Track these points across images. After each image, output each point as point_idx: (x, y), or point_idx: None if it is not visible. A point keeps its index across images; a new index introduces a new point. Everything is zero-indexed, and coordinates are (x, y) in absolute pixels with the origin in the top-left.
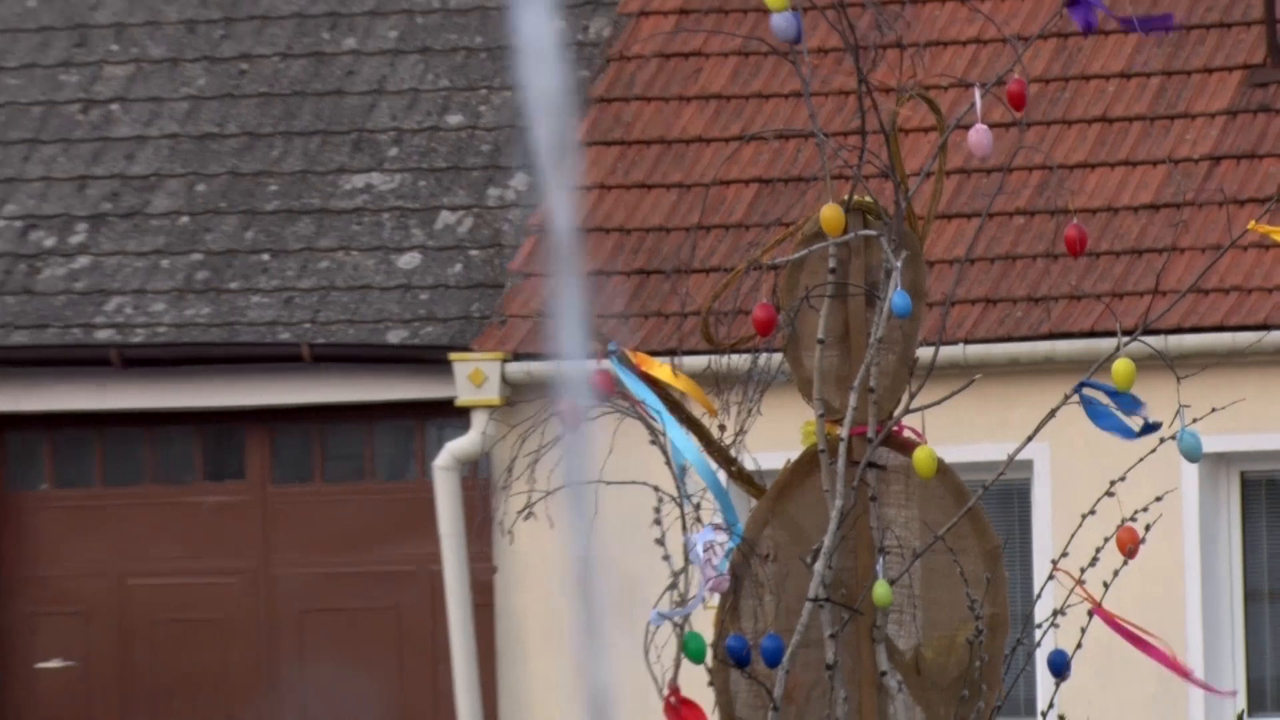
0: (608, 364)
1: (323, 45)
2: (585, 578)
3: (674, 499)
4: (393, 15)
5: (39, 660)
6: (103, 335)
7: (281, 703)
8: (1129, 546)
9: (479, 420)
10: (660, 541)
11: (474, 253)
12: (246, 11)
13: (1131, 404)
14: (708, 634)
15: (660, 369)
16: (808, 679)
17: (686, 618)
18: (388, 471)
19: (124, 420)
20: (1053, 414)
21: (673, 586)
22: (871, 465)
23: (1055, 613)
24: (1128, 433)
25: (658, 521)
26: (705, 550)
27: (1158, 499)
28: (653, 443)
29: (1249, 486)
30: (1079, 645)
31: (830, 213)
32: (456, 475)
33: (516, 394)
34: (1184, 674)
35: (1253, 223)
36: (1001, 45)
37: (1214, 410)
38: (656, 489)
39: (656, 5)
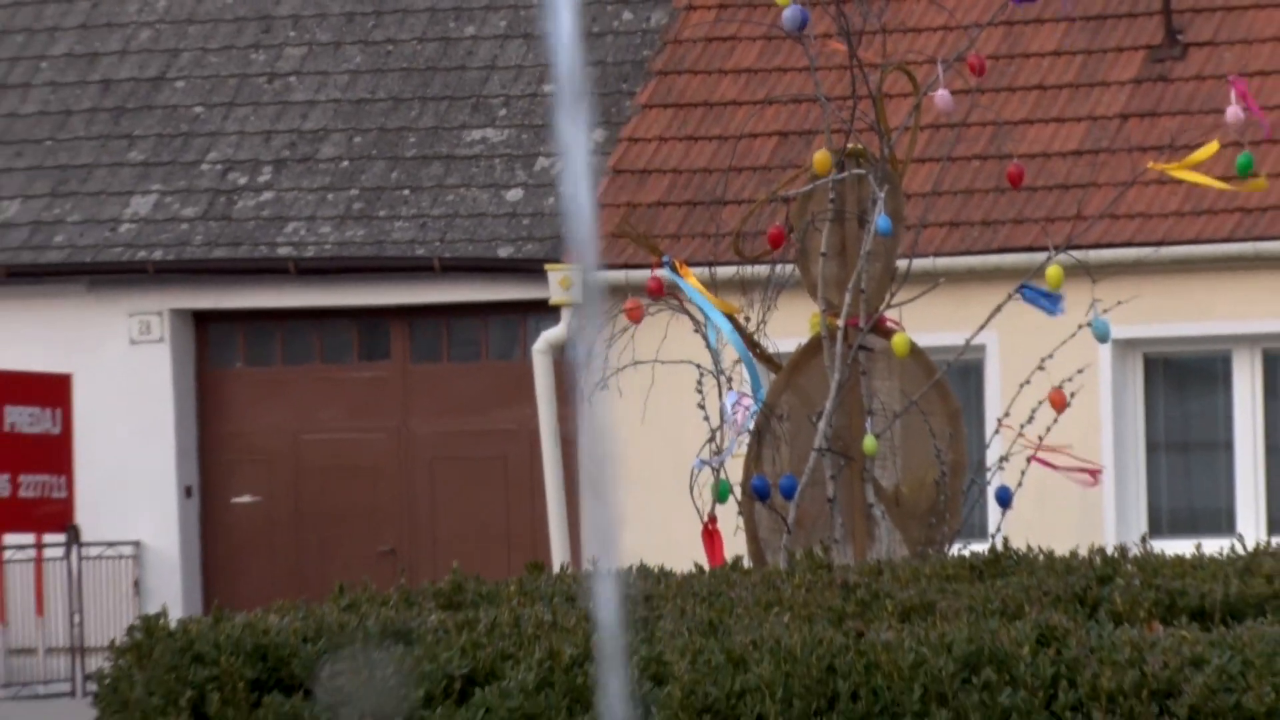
0: (662, 271)
1: (449, 32)
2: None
3: (711, 373)
4: (503, 9)
5: (234, 496)
6: (283, 251)
7: (418, 528)
8: (1060, 405)
9: (566, 315)
10: (701, 406)
11: (563, 189)
12: (391, 6)
13: (1055, 301)
14: (737, 478)
15: (692, 277)
16: (813, 510)
17: (722, 463)
18: (498, 353)
19: (298, 315)
20: (999, 308)
21: (710, 440)
22: (862, 348)
23: (1001, 459)
24: (1054, 310)
25: (699, 390)
26: (734, 408)
27: (1079, 371)
28: (695, 331)
29: (1149, 364)
30: (1019, 484)
31: (821, 156)
32: (549, 357)
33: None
34: (1094, 473)
35: (1151, 163)
36: (962, 31)
37: (1119, 303)
38: (699, 366)
39: (701, 1)
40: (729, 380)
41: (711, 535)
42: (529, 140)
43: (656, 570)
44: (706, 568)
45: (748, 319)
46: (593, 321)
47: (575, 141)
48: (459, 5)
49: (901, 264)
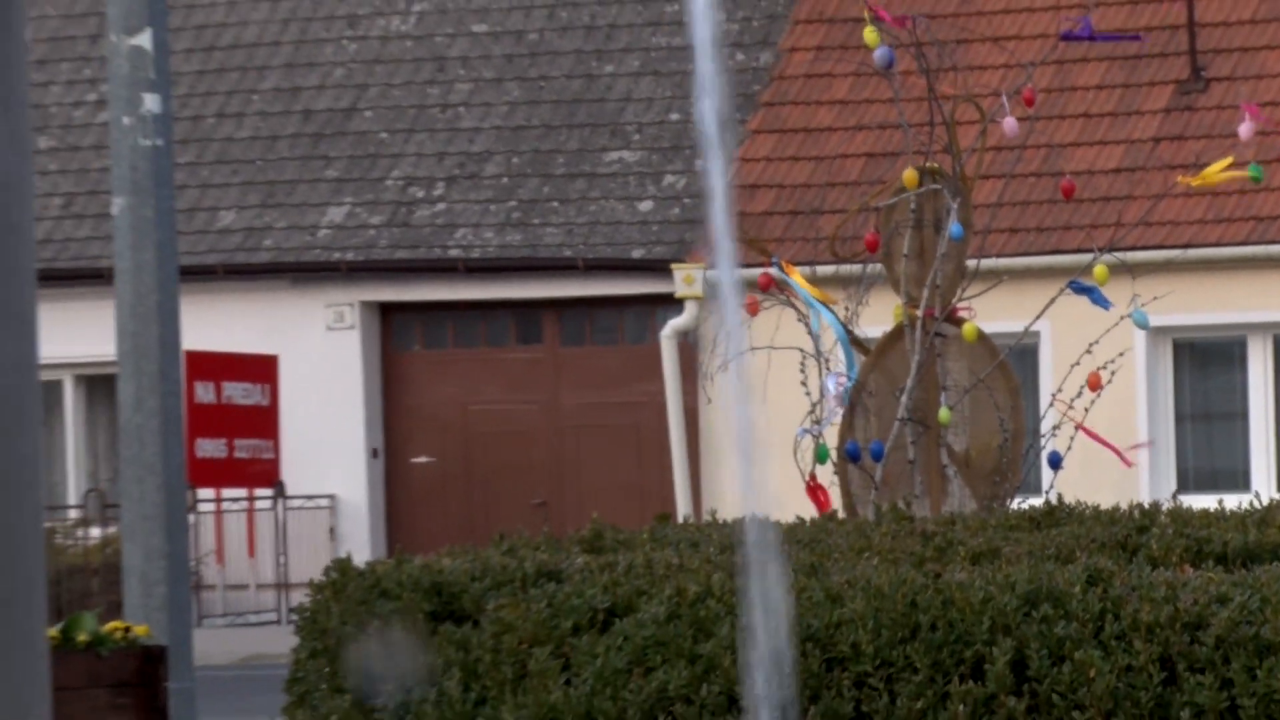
0: (771, 270)
1: (591, 70)
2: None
3: (812, 356)
4: (636, 50)
5: (412, 457)
6: (453, 253)
7: (565, 484)
8: (1095, 386)
9: (690, 307)
10: (803, 384)
11: (686, 201)
12: (544, 49)
13: (1101, 295)
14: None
15: (797, 274)
16: (897, 470)
17: (822, 431)
18: (631, 338)
19: (465, 306)
20: (1052, 301)
21: (811, 412)
22: (938, 334)
23: (1053, 428)
24: (1101, 303)
25: (803, 369)
26: (832, 386)
27: (1120, 354)
28: (799, 320)
29: (1178, 348)
30: (1068, 449)
31: (909, 174)
32: (675, 341)
33: (712, 290)
34: (1125, 459)
35: (1180, 178)
36: (1020, 68)
37: (1155, 298)
38: (801, 352)
39: (802, 44)
40: (827, 362)
41: (815, 490)
42: (658, 160)
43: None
44: (811, 518)
45: (844, 310)
46: (735, 318)
47: (716, 172)
48: (600, 48)
49: (970, 264)
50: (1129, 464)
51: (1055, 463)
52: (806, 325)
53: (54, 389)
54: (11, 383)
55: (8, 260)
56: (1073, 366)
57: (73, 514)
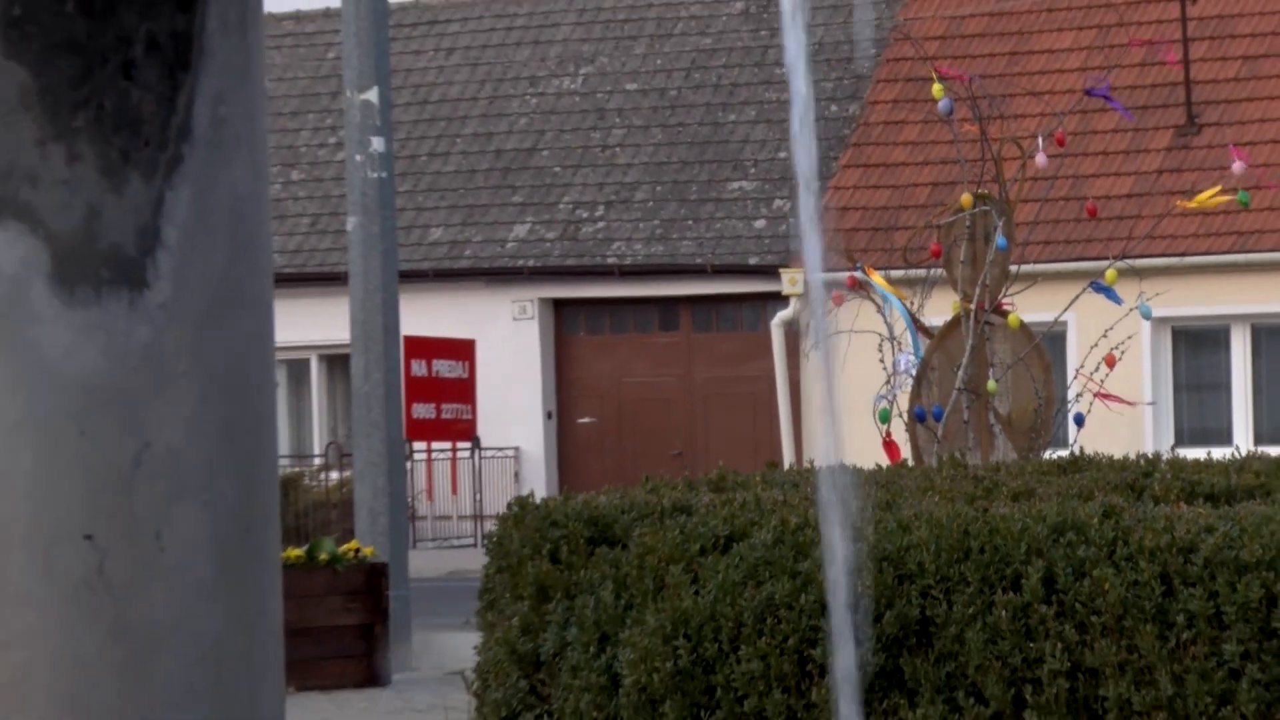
0: (855, 273)
1: (718, 118)
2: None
3: (887, 340)
4: (753, 103)
5: (578, 418)
6: (610, 261)
7: (696, 440)
8: (1111, 364)
9: (793, 302)
10: (880, 362)
11: (790, 220)
12: (682, 102)
13: (1114, 293)
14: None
15: (877, 276)
16: (954, 429)
17: (893, 399)
18: (748, 327)
19: (620, 301)
20: (1076, 298)
21: (886, 383)
22: (987, 323)
23: (1077, 396)
24: (1114, 299)
25: (880, 351)
26: (902, 363)
27: (1128, 338)
28: (877, 312)
29: (1175, 333)
30: (1089, 411)
31: (966, 198)
32: (782, 329)
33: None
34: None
35: (1178, 203)
36: (1053, 116)
37: (1156, 295)
38: (879, 336)
39: (881, 98)
40: (899, 345)
41: (890, 445)
42: (769, 189)
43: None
44: (886, 467)
45: (912, 303)
46: (820, 311)
47: (808, 217)
48: (724, 101)
49: (1012, 269)
50: (1132, 404)
51: (1079, 422)
52: (883, 316)
53: (303, 366)
54: (253, 353)
55: (249, 260)
56: (1092, 348)
57: (317, 461)
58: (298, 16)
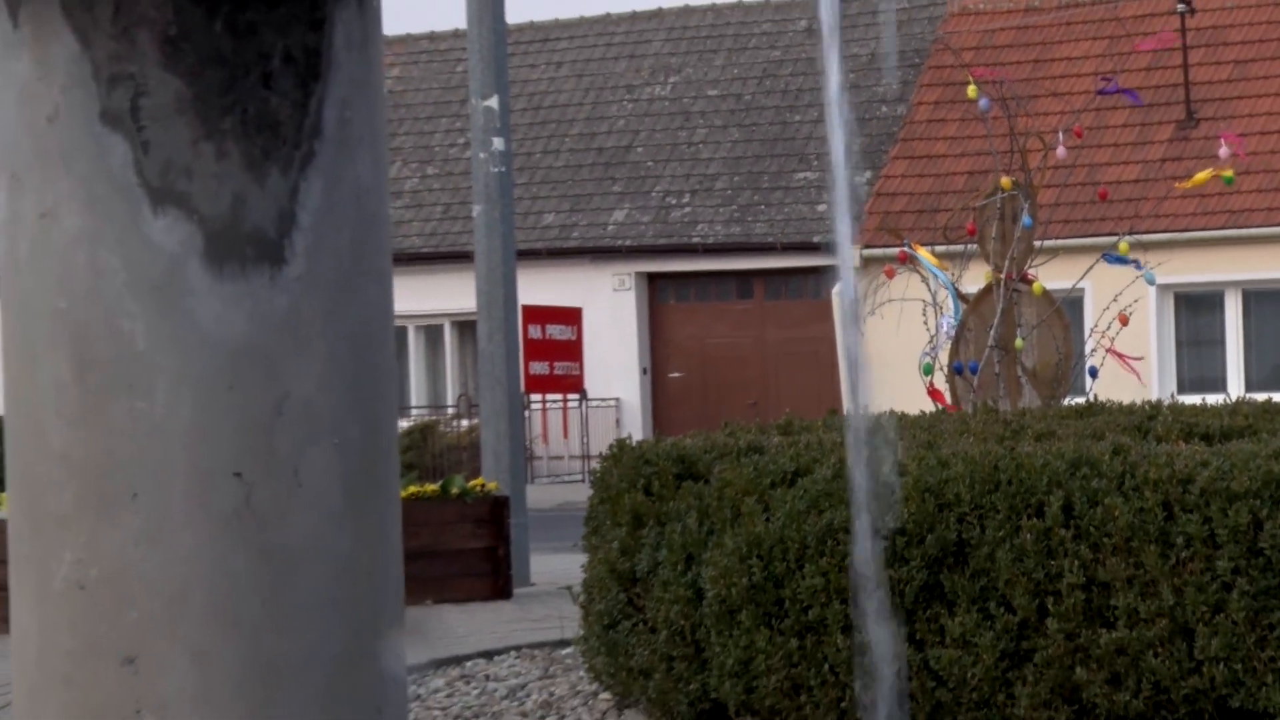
0: (904, 248)
1: (786, 119)
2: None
3: (931, 305)
4: (816, 105)
5: (669, 373)
6: (695, 240)
7: (768, 391)
8: (1124, 322)
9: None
10: (924, 324)
11: (856, 179)
12: (755, 104)
13: (1122, 260)
14: (943, 363)
15: (923, 250)
16: (988, 379)
17: (936, 355)
18: (811, 295)
19: (703, 275)
20: (1091, 268)
21: (930, 342)
22: (1014, 290)
23: (1092, 351)
24: (1128, 263)
25: (924, 315)
26: (944, 327)
27: (1135, 301)
28: (922, 281)
29: (1177, 298)
30: (1102, 364)
31: (1005, 181)
32: (837, 299)
33: (865, 264)
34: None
35: (1178, 184)
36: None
37: (1160, 264)
38: (923, 302)
39: (925, 99)
40: (940, 309)
41: (934, 394)
42: (829, 179)
43: (899, 413)
44: (929, 412)
45: (952, 274)
46: (849, 284)
47: (842, 214)
48: (791, 104)
49: (1036, 244)
50: (1139, 365)
51: (1094, 374)
52: (927, 284)
53: (438, 330)
54: (375, 317)
55: (371, 239)
56: (1104, 310)
57: (450, 411)
58: (432, 36)
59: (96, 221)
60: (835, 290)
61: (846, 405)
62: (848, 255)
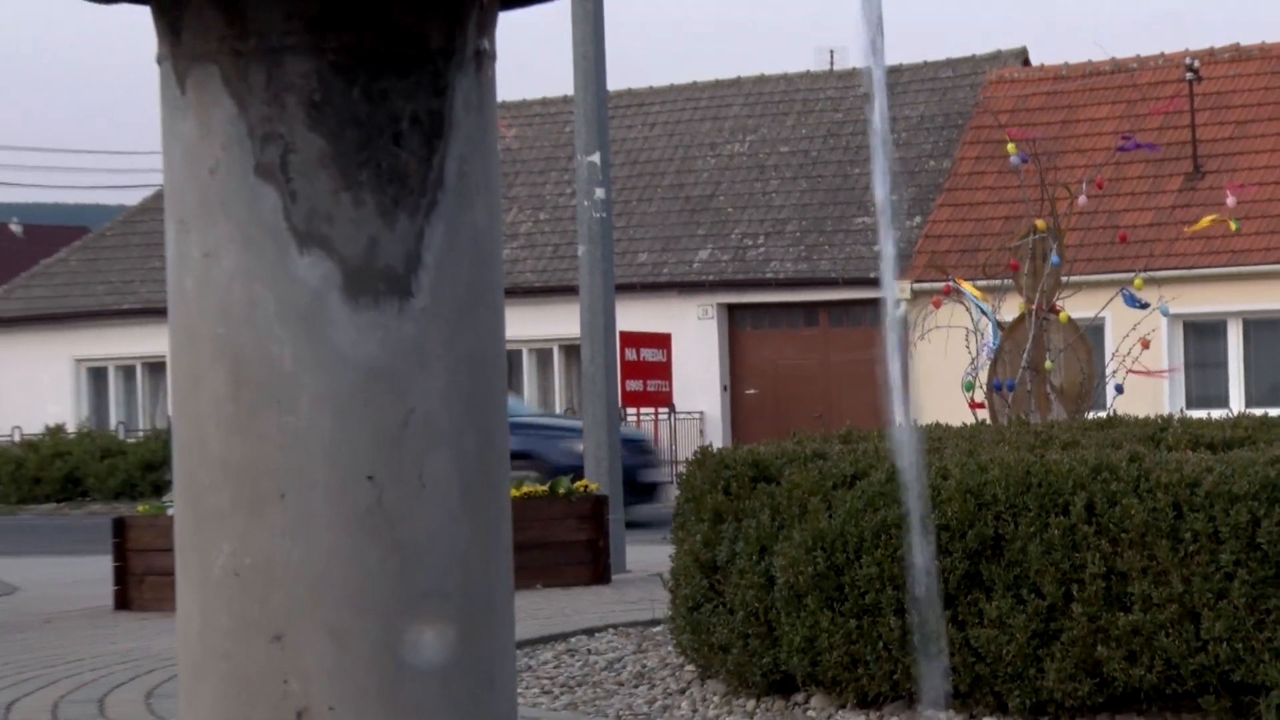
0: (949, 282)
1: (847, 171)
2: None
3: (973, 331)
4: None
5: (745, 390)
6: (768, 275)
7: (832, 405)
8: (1145, 345)
9: (902, 305)
10: (967, 348)
11: (901, 245)
12: (821, 159)
13: (1137, 300)
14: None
15: (966, 284)
16: (1021, 396)
17: (976, 375)
18: (869, 323)
19: (776, 305)
20: (1111, 299)
21: (971, 364)
22: (1045, 319)
23: (1114, 372)
24: (1138, 305)
25: (967, 340)
26: (984, 351)
27: (1152, 331)
28: (966, 311)
29: (1186, 326)
30: (1124, 383)
31: (1040, 223)
32: (891, 324)
33: (915, 296)
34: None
35: (1187, 229)
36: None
37: (1174, 299)
38: (966, 329)
39: (967, 155)
40: (981, 334)
41: (974, 407)
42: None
43: (944, 425)
44: (969, 424)
45: (992, 305)
46: (894, 319)
47: (887, 248)
48: (851, 159)
49: (1063, 279)
50: (1164, 375)
51: (1119, 390)
52: (970, 314)
53: (547, 353)
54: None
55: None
56: (1124, 337)
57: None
58: (544, 101)
59: (251, 260)
60: (888, 319)
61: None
62: (891, 287)
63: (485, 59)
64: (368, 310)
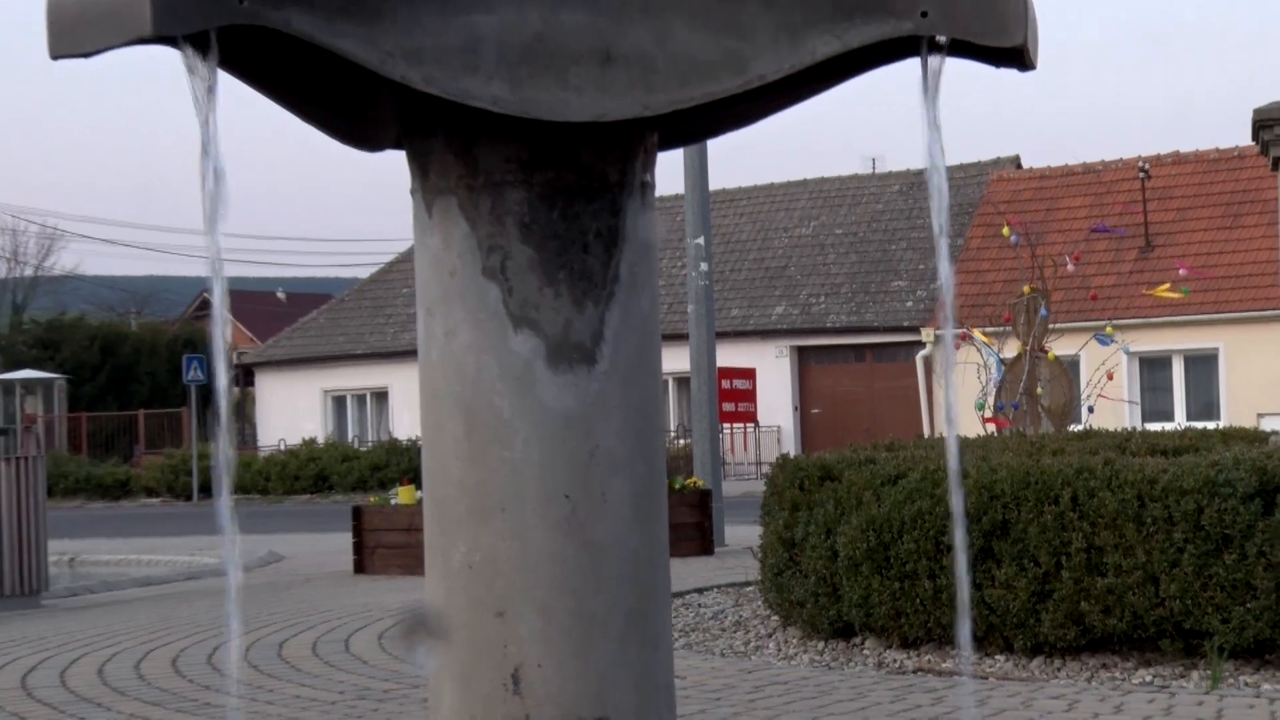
0: (964, 330)
1: (886, 247)
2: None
3: (982, 366)
4: (904, 238)
5: (812, 410)
6: (828, 325)
7: (876, 422)
8: (1111, 378)
9: (928, 346)
10: (978, 376)
11: (925, 304)
12: (863, 238)
13: (1108, 340)
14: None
15: (977, 331)
16: (1019, 416)
17: (986, 399)
18: (904, 359)
19: (833, 347)
20: (1086, 343)
21: (982, 390)
22: (1036, 357)
23: (1088, 396)
24: (1106, 343)
25: (979, 372)
26: (991, 381)
27: (1116, 365)
28: (977, 351)
29: (1142, 361)
30: (1095, 403)
31: (1027, 288)
32: (922, 361)
33: (938, 341)
34: (1122, 400)
35: (1145, 290)
36: (1072, 244)
37: (1131, 343)
38: (978, 365)
39: (975, 235)
40: (988, 368)
41: (986, 422)
42: (914, 285)
43: (962, 437)
44: (981, 436)
45: (996, 347)
46: (950, 354)
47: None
48: (890, 239)
49: (1051, 328)
50: (1125, 401)
51: (1091, 410)
52: (980, 353)
53: (664, 385)
54: (651, 394)
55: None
56: (1096, 369)
57: (672, 435)
58: (660, 199)
59: (479, 337)
60: (919, 356)
61: (926, 433)
62: (950, 343)
63: (647, 187)
64: (564, 373)
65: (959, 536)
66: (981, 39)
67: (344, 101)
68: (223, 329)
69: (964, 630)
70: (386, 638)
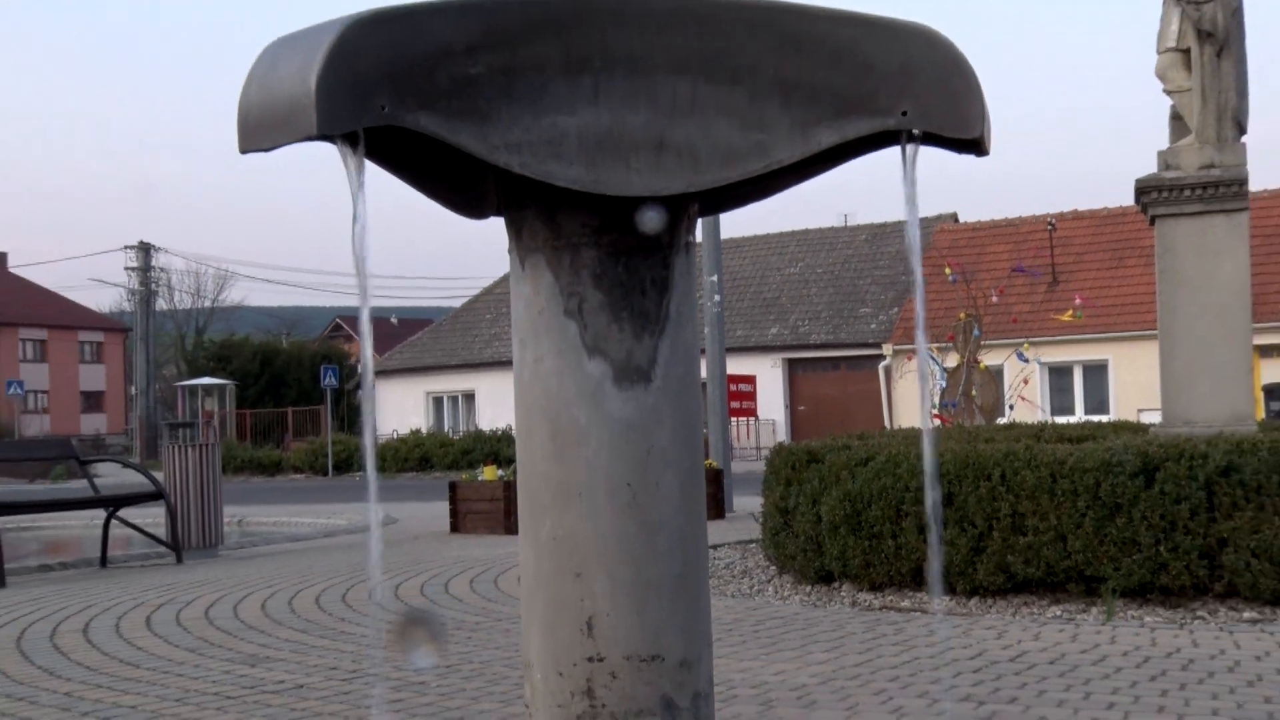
0: (932, 348)
1: (855, 285)
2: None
3: (934, 375)
4: (869, 277)
5: (799, 407)
6: (812, 341)
7: (849, 419)
8: (1027, 383)
9: (888, 359)
10: (933, 390)
11: (887, 328)
12: (840, 278)
13: (1023, 356)
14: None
15: (953, 356)
16: (960, 412)
17: (933, 399)
18: (868, 369)
19: (817, 360)
20: (1009, 355)
21: (931, 392)
22: (971, 367)
23: (1010, 398)
24: (1024, 359)
25: (929, 380)
26: (938, 384)
27: (1031, 373)
28: (934, 361)
29: (1052, 370)
30: (1015, 403)
31: (961, 314)
32: (883, 370)
33: (897, 353)
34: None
35: (1054, 316)
36: (999, 281)
37: (1040, 356)
38: (933, 373)
39: (926, 273)
40: (935, 376)
41: (934, 418)
42: (877, 311)
43: (916, 429)
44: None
45: (942, 358)
46: (925, 363)
47: (920, 310)
48: (858, 276)
49: (983, 344)
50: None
51: (1012, 408)
52: (939, 365)
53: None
54: (693, 407)
55: (692, 370)
56: (1015, 377)
57: None
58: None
59: (561, 363)
60: (880, 366)
61: (889, 426)
62: (924, 358)
63: (691, 245)
64: (627, 390)
65: (931, 500)
66: (949, 132)
67: (458, 181)
68: (369, 348)
69: (935, 566)
70: (478, 582)
